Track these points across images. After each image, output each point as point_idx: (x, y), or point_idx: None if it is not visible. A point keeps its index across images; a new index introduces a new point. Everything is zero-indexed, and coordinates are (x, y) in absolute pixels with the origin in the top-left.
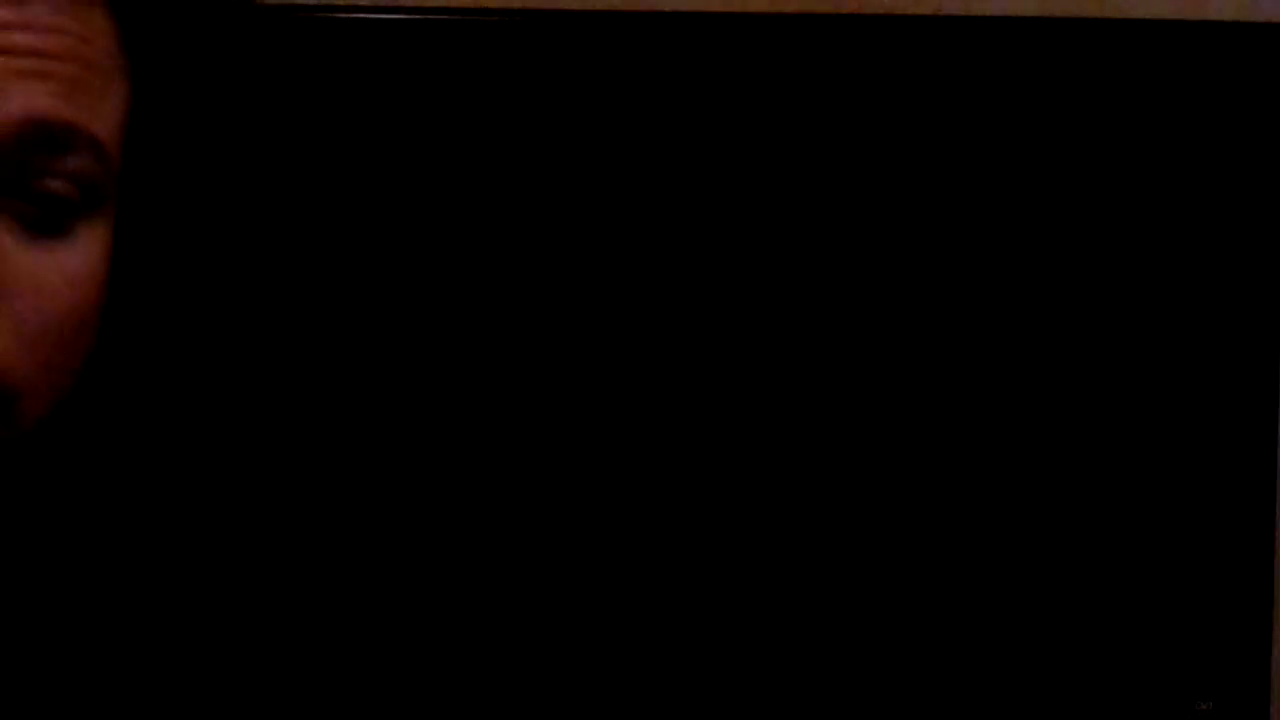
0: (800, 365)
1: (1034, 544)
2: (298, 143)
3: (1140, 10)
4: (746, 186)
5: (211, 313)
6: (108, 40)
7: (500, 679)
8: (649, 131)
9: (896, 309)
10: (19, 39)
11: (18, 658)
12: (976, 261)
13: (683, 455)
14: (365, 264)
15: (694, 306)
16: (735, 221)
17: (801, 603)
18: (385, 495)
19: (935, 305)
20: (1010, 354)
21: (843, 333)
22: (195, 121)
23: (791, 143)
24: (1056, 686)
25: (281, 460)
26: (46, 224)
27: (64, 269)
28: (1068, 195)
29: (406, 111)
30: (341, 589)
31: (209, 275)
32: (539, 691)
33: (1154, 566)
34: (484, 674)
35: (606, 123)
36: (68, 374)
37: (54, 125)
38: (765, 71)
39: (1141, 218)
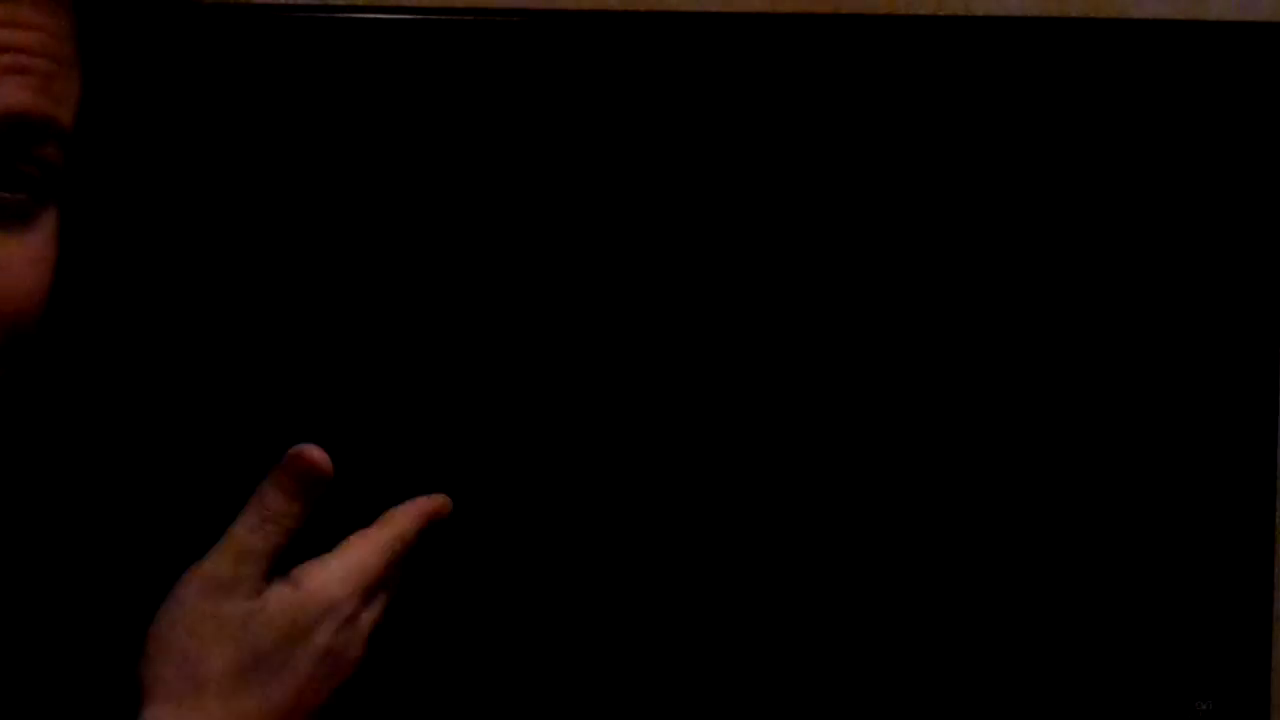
0: (801, 366)
1: (1033, 544)
2: (297, 143)
3: (1140, 10)
4: (747, 187)
5: (186, 307)
6: (71, 36)
7: (501, 679)
8: (649, 132)
9: (896, 310)
10: (5, 36)
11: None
12: (977, 262)
13: (683, 455)
14: (364, 264)
15: (695, 307)
16: (736, 222)
17: (801, 603)
18: (374, 491)
19: (935, 306)
20: (1010, 354)
21: (844, 333)
22: (136, 112)
23: (792, 143)
24: (1056, 686)
25: (232, 450)
26: (14, 210)
27: (27, 253)
28: (1068, 195)
29: (406, 112)
30: None
31: (185, 270)
32: (539, 692)
33: (1154, 567)
34: (485, 674)
35: (607, 123)
36: (18, 353)
37: (33, 118)
38: (765, 72)
39: (1141, 218)
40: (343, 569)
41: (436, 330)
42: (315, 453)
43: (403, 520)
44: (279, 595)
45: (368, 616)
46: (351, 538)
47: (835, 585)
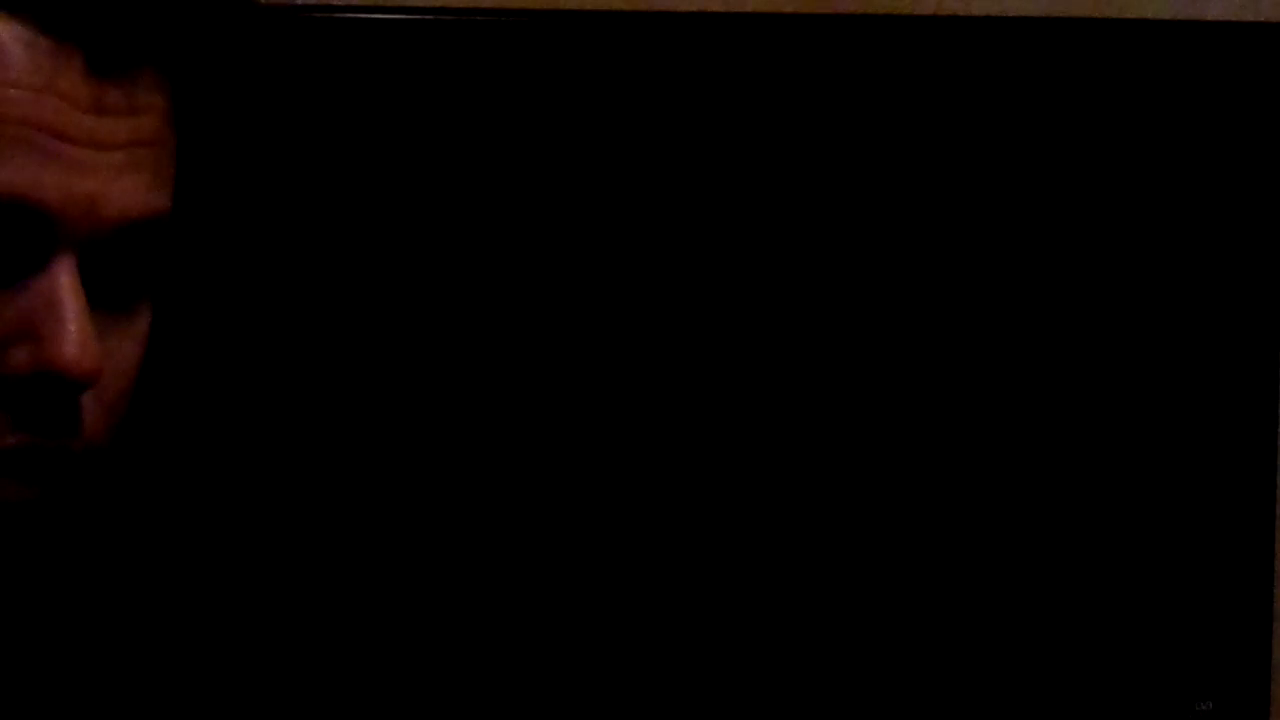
0: (801, 366)
1: (1034, 544)
2: (297, 143)
3: (1140, 10)
4: (747, 187)
5: (212, 314)
6: (170, 112)
7: (501, 679)
8: (649, 132)
9: (896, 310)
10: (123, 130)
11: (62, 656)
12: (977, 262)
13: (684, 456)
14: (366, 264)
15: (695, 307)
16: (735, 222)
17: (801, 603)
18: (401, 502)
19: (935, 306)
20: (1010, 354)
21: (844, 334)
22: (222, 166)
23: (791, 143)
24: (1056, 687)
25: (296, 467)
26: (122, 303)
27: (134, 338)
28: (1068, 195)
29: (407, 112)
30: (363, 597)
31: (215, 275)
32: (539, 692)
33: (1154, 567)
34: (487, 675)
35: (606, 123)
36: (121, 417)
37: (146, 219)
38: (765, 72)
39: (1142, 218)
40: None
41: (434, 325)
42: None
43: None
44: None
45: None
46: None
47: (835, 585)
